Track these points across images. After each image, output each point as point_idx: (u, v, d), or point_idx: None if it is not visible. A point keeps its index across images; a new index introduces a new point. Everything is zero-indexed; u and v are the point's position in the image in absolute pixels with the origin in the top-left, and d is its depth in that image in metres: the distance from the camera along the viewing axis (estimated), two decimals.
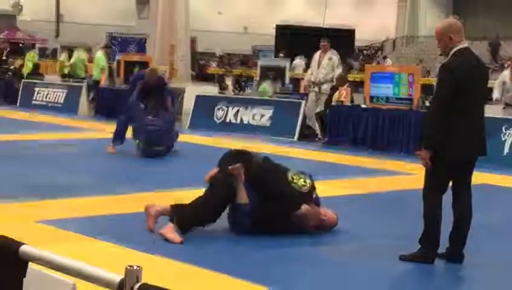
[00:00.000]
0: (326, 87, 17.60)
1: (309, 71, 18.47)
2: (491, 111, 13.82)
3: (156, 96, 12.93)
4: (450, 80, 6.56)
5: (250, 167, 7.58)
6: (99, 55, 22.40)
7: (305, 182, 7.77)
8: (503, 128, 13.99)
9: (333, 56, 17.76)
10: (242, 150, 8.15)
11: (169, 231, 7.16)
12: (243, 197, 7.46)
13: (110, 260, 6.04)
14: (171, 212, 7.37)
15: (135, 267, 2.25)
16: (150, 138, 12.63)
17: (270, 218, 7.49)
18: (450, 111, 6.49)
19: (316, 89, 17.61)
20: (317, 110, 17.60)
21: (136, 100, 12.97)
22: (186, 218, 7.29)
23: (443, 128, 6.52)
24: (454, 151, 6.56)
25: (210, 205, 7.40)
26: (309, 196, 7.77)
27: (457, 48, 6.65)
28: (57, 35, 47.93)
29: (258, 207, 7.44)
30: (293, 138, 16.75)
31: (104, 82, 21.95)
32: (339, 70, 17.95)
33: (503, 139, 13.96)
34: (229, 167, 7.47)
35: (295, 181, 7.72)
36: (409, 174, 11.81)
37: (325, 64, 17.59)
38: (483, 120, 6.84)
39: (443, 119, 6.52)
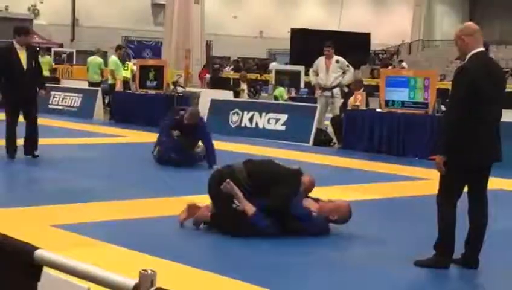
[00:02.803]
0: (337, 91, 17.58)
1: (312, 74, 18.32)
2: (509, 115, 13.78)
3: (188, 135, 12.49)
4: (465, 83, 6.54)
5: (237, 177, 7.66)
6: (112, 58, 22.49)
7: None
8: None
9: (339, 58, 17.74)
10: (221, 169, 8.20)
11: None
12: (249, 209, 7.53)
13: (125, 264, 6.05)
14: (211, 220, 7.67)
15: (149, 272, 2.25)
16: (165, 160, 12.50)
17: (283, 201, 7.62)
18: (465, 115, 6.46)
19: (329, 93, 17.57)
20: (331, 114, 17.60)
21: (168, 128, 12.65)
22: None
23: (458, 133, 6.49)
24: (469, 157, 6.53)
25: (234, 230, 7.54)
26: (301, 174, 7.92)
27: (474, 51, 6.63)
28: (73, 39, 48.14)
29: (268, 202, 7.58)
30: (307, 143, 16.73)
31: (119, 86, 22.02)
32: (351, 70, 17.90)
33: None
34: (221, 187, 7.55)
35: (282, 164, 8.00)
36: (424, 179, 11.77)
37: (334, 68, 17.56)
38: (498, 125, 6.81)
39: (458, 123, 6.49)
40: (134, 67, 22.08)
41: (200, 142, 12.58)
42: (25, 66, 12.11)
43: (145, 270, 2.26)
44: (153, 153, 12.69)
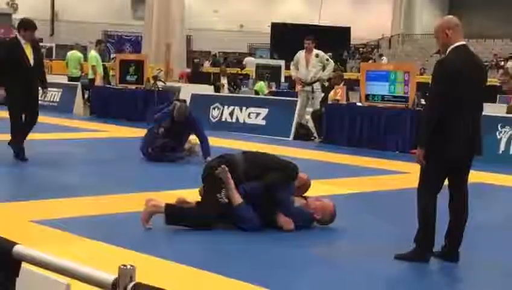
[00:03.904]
0: (318, 85, 17.61)
1: (292, 68, 18.33)
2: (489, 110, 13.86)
3: (179, 130, 12.47)
4: (445, 76, 6.55)
5: (234, 164, 7.67)
6: (92, 54, 22.39)
7: None
8: (499, 126, 14.00)
9: (319, 52, 17.76)
10: (220, 157, 8.20)
11: (149, 212, 7.45)
12: (236, 199, 7.54)
13: (104, 259, 6.03)
14: (165, 209, 7.49)
15: (129, 267, 2.24)
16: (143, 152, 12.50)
17: (276, 188, 7.63)
18: (445, 109, 6.48)
19: (309, 88, 17.59)
20: (311, 109, 17.62)
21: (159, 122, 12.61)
22: (176, 213, 7.53)
23: (438, 127, 6.50)
24: (449, 150, 6.54)
25: (199, 221, 7.52)
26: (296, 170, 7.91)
27: (455, 45, 6.64)
28: (52, 34, 47.89)
29: (262, 189, 7.61)
30: (288, 137, 16.75)
31: (99, 81, 21.93)
32: (331, 64, 17.92)
33: (498, 137, 13.97)
34: (216, 172, 7.53)
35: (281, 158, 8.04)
36: (404, 173, 11.81)
37: (314, 62, 17.57)
38: (479, 118, 6.83)
39: (438, 117, 6.51)
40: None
41: (190, 138, 12.62)
42: (31, 62, 11.71)
43: (124, 266, 2.24)
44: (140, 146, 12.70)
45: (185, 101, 16.24)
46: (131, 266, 2.25)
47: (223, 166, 7.56)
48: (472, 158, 6.79)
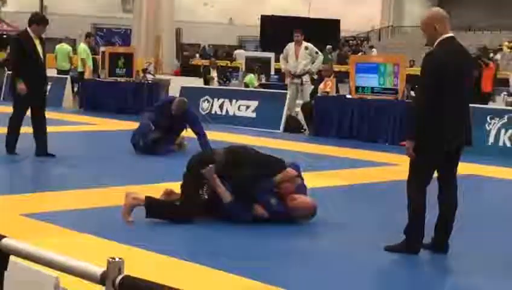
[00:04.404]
0: (307, 77, 17.62)
1: (282, 61, 18.34)
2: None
3: (172, 126, 12.46)
4: (433, 67, 6.56)
5: (216, 164, 7.64)
6: (81, 46, 22.31)
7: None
8: (488, 118, 14.04)
9: (308, 45, 17.77)
10: (202, 154, 8.18)
11: (129, 205, 7.41)
12: (225, 197, 7.54)
13: (94, 252, 6.02)
14: (145, 202, 7.48)
15: (117, 260, 2.24)
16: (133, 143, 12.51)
17: (249, 185, 7.60)
18: (434, 101, 6.49)
19: (298, 80, 17.60)
20: (301, 101, 17.62)
21: (149, 120, 12.59)
22: (156, 206, 7.53)
23: (427, 118, 6.51)
24: (438, 142, 6.55)
25: (180, 214, 7.53)
26: (281, 165, 7.82)
27: (442, 37, 6.65)
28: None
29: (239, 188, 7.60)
30: (278, 129, 16.76)
31: (88, 75, 21.87)
32: (320, 57, 17.94)
33: (488, 129, 14.01)
34: (202, 171, 7.54)
35: (266, 154, 7.92)
36: (394, 165, 11.83)
37: (303, 54, 17.59)
38: (468, 109, 6.85)
39: (427, 109, 6.52)
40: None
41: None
42: (42, 57, 11.52)
43: (113, 258, 2.24)
44: (132, 136, 12.68)
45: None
46: (120, 258, 2.24)
47: (210, 165, 7.56)
48: (462, 149, 6.81)
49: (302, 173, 8.08)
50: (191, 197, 7.59)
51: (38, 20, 11.62)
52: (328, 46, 36.33)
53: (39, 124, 11.67)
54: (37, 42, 11.53)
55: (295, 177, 7.84)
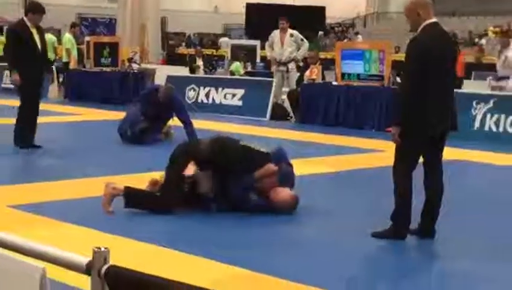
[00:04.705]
0: (293, 65, 17.61)
1: (268, 48, 18.33)
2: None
3: (159, 115, 12.44)
4: (417, 53, 6.58)
5: (200, 157, 7.63)
6: (67, 36, 22.20)
7: (259, 146, 7.85)
8: (474, 103, 14.08)
9: (294, 32, 17.76)
10: (187, 144, 8.17)
11: (109, 195, 7.39)
12: (204, 186, 7.57)
13: (80, 243, 6.01)
14: (124, 192, 7.48)
15: (103, 249, 2.23)
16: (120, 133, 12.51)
17: (231, 182, 7.58)
18: (418, 86, 6.50)
19: (284, 68, 17.59)
20: (287, 89, 17.62)
21: (138, 111, 12.59)
22: (135, 196, 7.51)
23: (412, 104, 6.52)
24: (424, 127, 6.57)
25: (160, 205, 7.53)
26: (267, 159, 7.74)
27: (426, 23, 6.65)
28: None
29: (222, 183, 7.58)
30: (264, 117, 16.75)
31: (73, 65, 21.77)
32: (305, 44, 17.93)
33: (473, 113, 14.05)
34: (185, 174, 7.57)
35: (248, 145, 7.80)
36: (380, 151, 11.85)
37: (289, 42, 17.58)
38: (453, 95, 6.87)
39: (412, 94, 6.53)
40: None
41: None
42: (40, 47, 11.38)
43: (98, 248, 2.23)
44: (119, 126, 12.65)
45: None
46: (105, 248, 2.24)
47: (190, 165, 7.58)
48: (447, 134, 6.83)
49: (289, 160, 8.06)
50: (171, 188, 7.58)
51: (34, 8, 11.49)
52: (320, 33, 36.30)
53: (34, 114, 11.60)
54: (34, 31, 11.38)
55: (275, 172, 7.74)
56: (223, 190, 7.60)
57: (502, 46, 15.33)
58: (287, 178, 7.85)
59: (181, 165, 7.62)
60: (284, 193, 7.70)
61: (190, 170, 7.64)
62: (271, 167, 7.70)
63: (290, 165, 7.98)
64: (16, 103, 11.84)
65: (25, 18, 11.48)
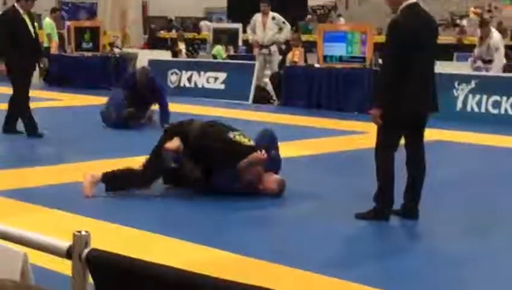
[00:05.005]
0: (275, 48, 17.57)
1: (250, 32, 18.27)
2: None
3: (142, 99, 12.39)
4: (398, 34, 6.58)
5: (187, 138, 7.61)
6: (47, 21, 22.04)
7: (249, 141, 7.76)
8: (456, 84, 14.11)
9: (275, 15, 17.71)
10: (177, 124, 8.15)
11: (88, 183, 7.48)
12: (186, 166, 7.58)
13: (61, 228, 5.99)
14: (102, 178, 7.57)
15: (83, 233, 2.22)
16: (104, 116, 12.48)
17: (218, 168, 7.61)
18: (399, 67, 6.50)
19: (266, 51, 17.55)
20: (269, 72, 17.58)
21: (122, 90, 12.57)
22: (114, 179, 7.60)
23: (393, 86, 6.53)
24: (405, 107, 6.57)
25: (138, 180, 7.59)
26: (251, 151, 7.66)
27: (406, 4, 6.64)
28: (5, 3, 47.08)
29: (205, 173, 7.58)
30: (247, 100, 16.71)
31: (54, 50, 21.63)
32: (287, 27, 17.88)
33: (455, 94, 14.08)
34: (165, 145, 7.55)
35: (236, 138, 7.70)
36: (363, 133, 11.86)
37: (271, 25, 17.52)
38: (433, 76, 6.87)
39: (393, 75, 6.53)
40: None
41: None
42: (33, 34, 11.22)
43: (79, 232, 2.22)
44: (102, 111, 12.59)
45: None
46: (86, 232, 2.23)
47: (175, 139, 7.55)
48: (428, 115, 6.84)
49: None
50: (153, 161, 7.60)
51: None
52: (309, 16, 36.20)
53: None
54: (26, 18, 11.27)
55: (262, 161, 7.66)
56: (207, 179, 7.59)
57: (484, 36, 15.37)
58: (273, 163, 7.83)
59: (167, 138, 7.63)
60: (270, 182, 7.67)
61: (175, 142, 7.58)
62: (256, 155, 7.62)
63: (277, 150, 7.96)
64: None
65: (16, 4, 11.36)
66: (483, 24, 15.55)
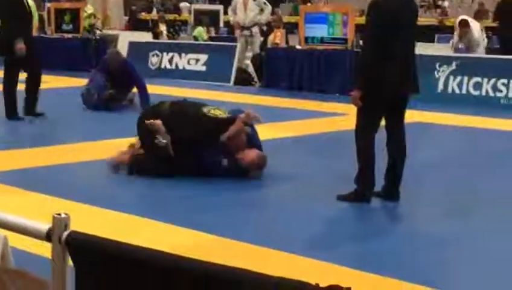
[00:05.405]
0: (256, 29, 17.52)
1: (231, 13, 18.23)
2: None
3: (119, 83, 12.31)
4: (377, 15, 6.57)
5: (160, 116, 7.64)
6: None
7: (223, 112, 7.82)
8: (437, 65, 14.13)
9: None
10: (148, 110, 8.18)
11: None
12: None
13: (41, 210, 5.96)
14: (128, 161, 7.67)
15: (63, 215, 2.19)
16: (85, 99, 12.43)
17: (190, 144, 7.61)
18: (380, 48, 6.49)
19: (248, 32, 17.49)
20: (251, 53, 17.53)
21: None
22: (139, 162, 7.64)
23: (373, 67, 6.52)
24: (386, 88, 6.57)
25: (158, 167, 7.57)
26: (230, 122, 7.71)
27: None
28: None
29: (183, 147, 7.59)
30: (228, 82, 16.67)
31: (35, 31, 21.45)
32: (268, 8, 17.83)
33: (436, 76, 14.11)
34: (147, 122, 7.56)
35: (211, 113, 7.75)
36: (344, 115, 11.86)
37: (252, 6, 17.46)
38: (414, 57, 6.87)
39: (372, 56, 6.53)
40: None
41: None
42: (28, 10, 11.13)
43: (59, 214, 2.20)
44: (82, 93, 12.52)
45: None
46: (66, 214, 2.20)
47: (151, 120, 7.52)
48: (408, 96, 6.84)
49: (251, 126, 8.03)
50: (151, 148, 7.57)
51: None
52: None
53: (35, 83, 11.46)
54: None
55: (242, 130, 7.72)
56: (195, 159, 7.58)
57: (463, 36, 15.43)
58: (252, 140, 7.84)
59: (147, 127, 7.61)
60: (252, 153, 7.70)
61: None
62: (235, 126, 7.65)
63: (252, 127, 7.96)
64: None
65: None
66: (464, 25, 15.49)
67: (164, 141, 7.47)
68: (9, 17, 11.15)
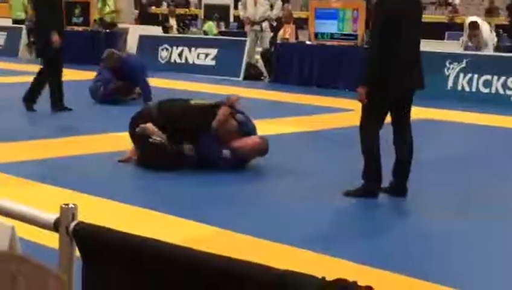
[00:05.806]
0: (266, 24, 17.51)
1: (241, 8, 18.22)
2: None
3: (125, 76, 12.32)
4: (382, 12, 6.57)
5: (149, 117, 7.75)
6: None
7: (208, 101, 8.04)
8: (447, 63, 14.10)
9: None
10: (138, 113, 8.21)
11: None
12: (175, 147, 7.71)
13: (48, 201, 5.98)
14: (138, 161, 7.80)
15: (70, 206, 2.20)
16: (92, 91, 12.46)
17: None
18: (385, 46, 6.49)
19: (258, 27, 17.48)
20: (260, 48, 17.53)
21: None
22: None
23: (379, 64, 6.51)
24: (391, 84, 6.57)
25: (168, 161, 7.61)
26: (217, 106, 7.82)
27: None
28: None
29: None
30: (238, 77, 16.68)
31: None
32: (278, 3, 17.82)
33: (446, 73, 14.08)
34: (137, 130, 7.68)
35: (198, 102, 7.99)
36: (353, 111, 11.82)
37: (262, 1, 17.47)
38: (419, 54, 6.85)
39: (378, 53, 6.52)
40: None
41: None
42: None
43: (66, 205, 2.21)
44: (90, 87, 12.55)
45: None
46: (73, 205, 2.21)
47: (141, 126, 7.61)
48: (413, 93, 6.83)
49: (261, 120, 8.04)
50: (150, 149, 7.62)
51: None
52: None
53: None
54: None
55: (230, 113, 7.79)
56: (194, 149, 7.62)
57: (473, 37, 15.43)
58: (246, 126, 7.87)
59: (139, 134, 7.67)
60: (250, 141, 7.79)
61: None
62: (222, 110, 7.73)
63: (243, 113, 7.99)
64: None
65: None
66: (474, 28, 15.46)
67: (159, 139, 7.52)
68: (42, 6, 11.22)
